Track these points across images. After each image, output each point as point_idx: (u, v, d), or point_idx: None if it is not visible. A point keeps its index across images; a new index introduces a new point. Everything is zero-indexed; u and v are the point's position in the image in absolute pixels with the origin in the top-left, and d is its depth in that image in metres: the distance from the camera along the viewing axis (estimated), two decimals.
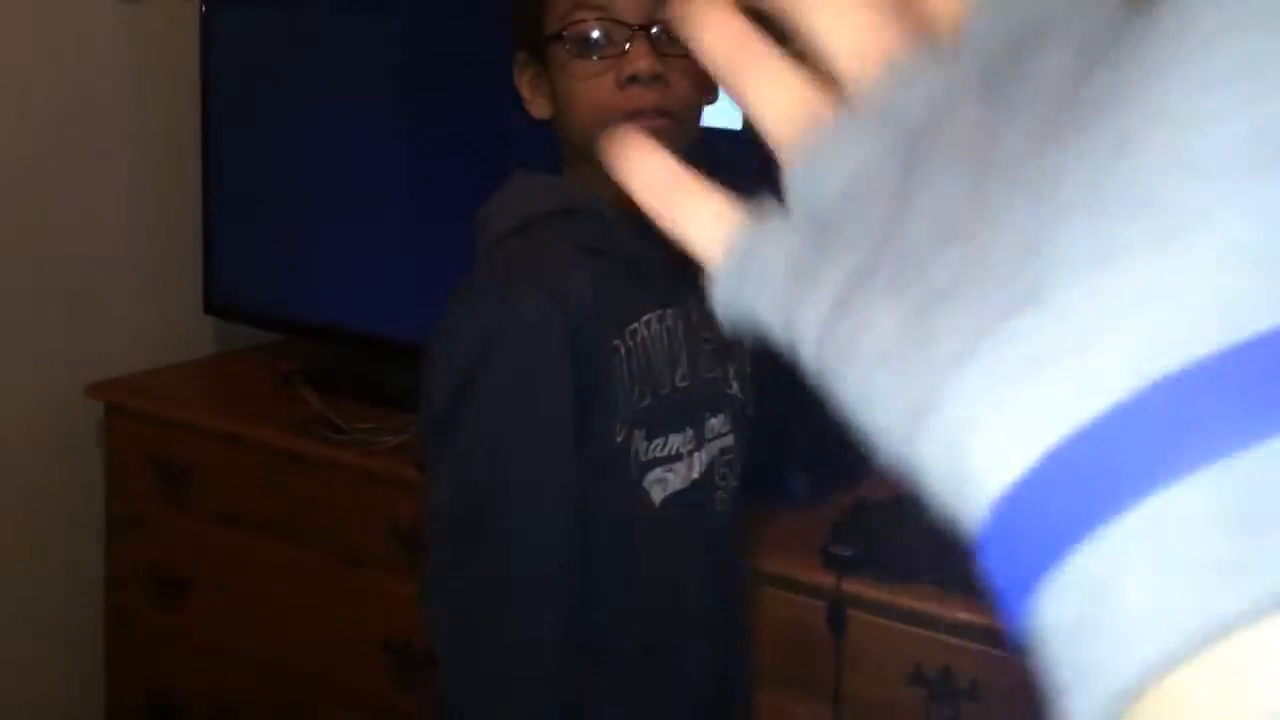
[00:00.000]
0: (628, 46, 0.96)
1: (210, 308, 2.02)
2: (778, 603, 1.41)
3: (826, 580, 1.36)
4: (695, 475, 1.06)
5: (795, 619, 1.40)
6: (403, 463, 1.64)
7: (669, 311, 1.04)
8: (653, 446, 1.02)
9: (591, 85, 0.97)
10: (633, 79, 0.95)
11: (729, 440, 1.11)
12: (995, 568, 0.18)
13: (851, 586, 1.35)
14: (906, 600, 1.33)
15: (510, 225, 1.02)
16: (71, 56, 1.82)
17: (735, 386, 1.12)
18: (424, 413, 1.01)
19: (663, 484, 1.03)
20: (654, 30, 0.96)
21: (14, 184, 1.78)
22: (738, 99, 0.24)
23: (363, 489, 1.69)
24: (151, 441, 1.84)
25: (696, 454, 1.06)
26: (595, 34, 0.97)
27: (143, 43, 1.92)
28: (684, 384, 1.05)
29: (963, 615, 1.29)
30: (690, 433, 1.05)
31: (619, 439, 0.99)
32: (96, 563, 1.94)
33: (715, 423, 1.09)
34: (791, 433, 1.44)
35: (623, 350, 1.00)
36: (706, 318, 1.05)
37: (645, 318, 1.02)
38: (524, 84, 1.05)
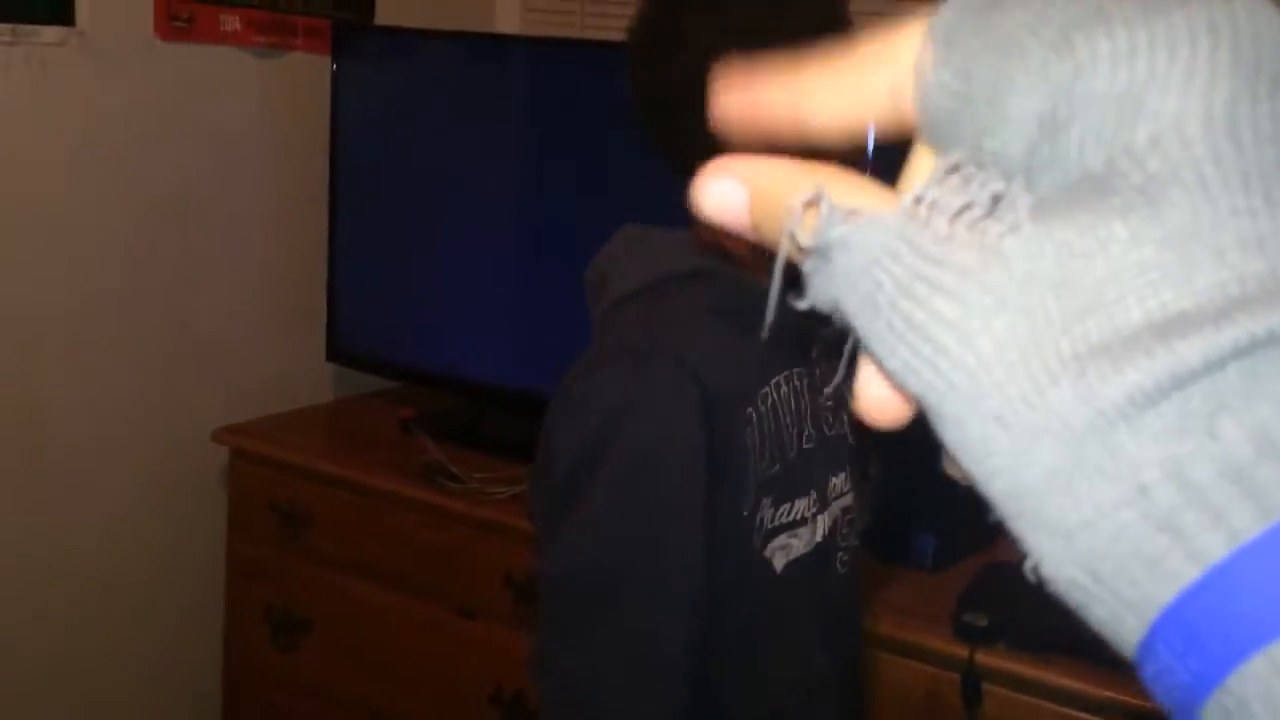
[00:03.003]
0: None
1: (332, 354, 2.05)
2: (906, 672, 1.34)
3: (959, 650, 1.29)
4: (819, 538, 1.01)
5: (926, 690, 1.33)
6: (517, 513, 1.62)
7: (795, 371, 0.99)
8: (779, 514, 0.97)
9: None
10: None
11: (850, 499, 1.06)
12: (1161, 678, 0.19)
13: (986, 658, 1.28)
14: (1047, 675, 1.25)
15: (635, 287, 0.97)
16: (210, 107, 1.88)
17: (852, 436, 1.07)
18: (539, 478, 0.97)
19: (786, 550, 0.99)
20: None
21: (151, 232, 1.84)
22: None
23: (477, 538, 1.68)
24: (273, 486, 1.87)
25: (820, 516, 1.01)
26: None
27: (276, 97, 1.98)
28: (809, 446, 1.00)
29: (1109, 693, 1.20)
30: (814, 495, 1.01)
31: (746, 511, 0.94)
32: (217, 603, 1.97)
33: (837, 481, 1.05)
34: (920, 492, 1.38)
35: (754, 418, 0.95)
36: (830, 371, 1.01)
37: (775, 380, 0.97)
38: None
